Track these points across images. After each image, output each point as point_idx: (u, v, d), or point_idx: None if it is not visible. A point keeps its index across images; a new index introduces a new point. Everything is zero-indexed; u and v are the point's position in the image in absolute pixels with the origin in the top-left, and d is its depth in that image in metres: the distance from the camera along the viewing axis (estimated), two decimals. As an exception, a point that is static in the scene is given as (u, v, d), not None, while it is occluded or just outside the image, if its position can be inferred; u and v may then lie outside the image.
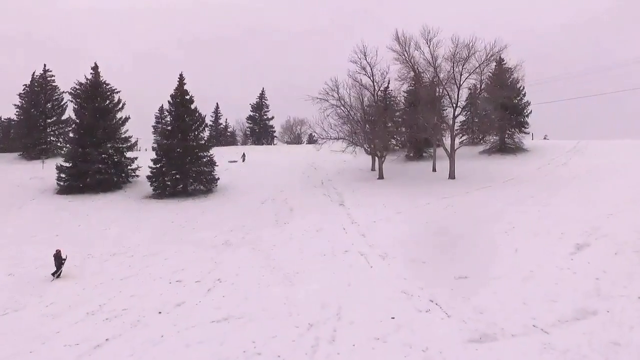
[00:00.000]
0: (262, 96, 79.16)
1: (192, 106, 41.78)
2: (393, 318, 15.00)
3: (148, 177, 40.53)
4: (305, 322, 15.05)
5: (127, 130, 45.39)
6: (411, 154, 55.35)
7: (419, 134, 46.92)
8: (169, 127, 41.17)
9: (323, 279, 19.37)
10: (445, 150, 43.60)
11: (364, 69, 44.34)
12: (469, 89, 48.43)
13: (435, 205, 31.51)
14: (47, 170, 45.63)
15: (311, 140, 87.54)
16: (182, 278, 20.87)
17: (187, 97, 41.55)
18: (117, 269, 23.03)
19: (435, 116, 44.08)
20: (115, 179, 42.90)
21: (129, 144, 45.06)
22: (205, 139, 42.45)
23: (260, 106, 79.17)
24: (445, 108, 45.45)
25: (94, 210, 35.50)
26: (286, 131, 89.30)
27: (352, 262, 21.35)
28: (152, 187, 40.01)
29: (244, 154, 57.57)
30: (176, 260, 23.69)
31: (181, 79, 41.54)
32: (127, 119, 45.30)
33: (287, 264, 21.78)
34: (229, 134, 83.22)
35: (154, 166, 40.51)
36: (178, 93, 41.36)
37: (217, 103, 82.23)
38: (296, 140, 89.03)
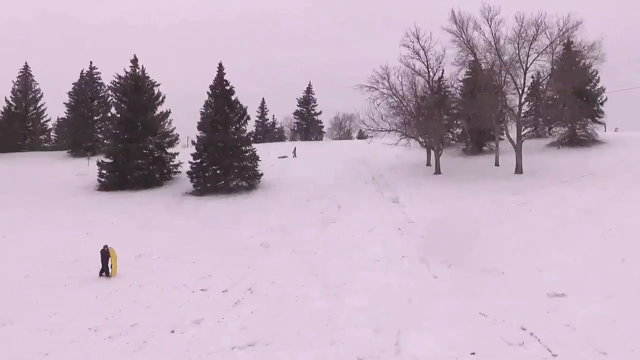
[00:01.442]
0: (309, 90, 75.62)
1: (233, 97, 38.66)
2: (473, 354, 10.82)
3: (188, 172, 37.77)
4: (352, 356, 11.11)
5: (172, 126, 43.04)
6: (469, 148, 50.24)
7: (480, 125, 41.87)
8: (209, 120, 38.21)
9: (376, 292, 15.39)
10: (511, 141, 38.49)
11: (417, 53, 39.75)
12: (532, 77, 42.96)
13: (504, 202, 26.83)
14: (92, 167, 43.88)
15: (361, 136, 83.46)
16: (208, 286, 17.42)
17: (227, 87, 38.48)
18: (139, 272, 19.87)
19: (499, 104, 39.01)
20: (157, 175, 40.47)
21: (169, 139, 42.50)
22: (247, 132, 39.21)
23: (307, 100, 75.60)
24: (509, 95, 40.35)
25: (131, 207, 32.90)
26: (335, 127, 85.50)
27: (411, 271, 17.29)
28: (192, 184, 37.19)
29: (295, 148, 54.27)
30: (205, 264, 20.30)
31: (220, 68, 38.49)
32: (167, 113, 42.89)
33: (332, 271, 17.94)
34: (276, 130, 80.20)
35: (193, 161, 37.69)
36: (217, 84, 38.33)
37: (262, 98, 78.89)
38: (345, 136, 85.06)
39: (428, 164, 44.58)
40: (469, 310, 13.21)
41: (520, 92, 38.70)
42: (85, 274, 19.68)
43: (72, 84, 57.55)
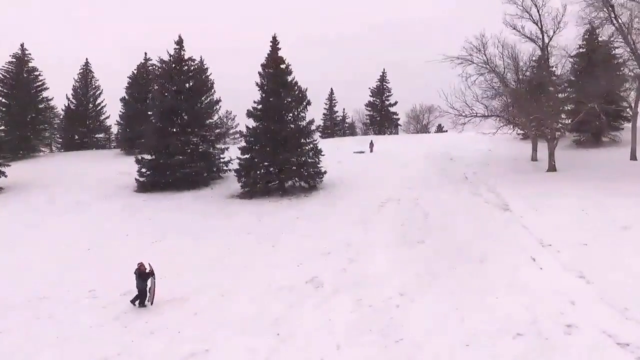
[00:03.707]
0: (382, 79, 66.09)
1: (290, 78, 30.68)
2: None
3: (236, 170, 30.39)
4: None
5: (232, 119, 36.15)
6: (583, 139, 39.27)
7: (609, 107, 31.06)
8: (260, 106, 30.50)
9: None
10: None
11: (526, 10, 29.46)
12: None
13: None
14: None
15: (440, 130, 73.12)
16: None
17: (283, 66, 30.55)
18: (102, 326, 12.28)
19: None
20: (205, 173, 33.46)
21: (218, 132, 35.36)
22: (308, 121, 31.00)
23: (381, 90, 66.18)
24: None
25: (160, 215, 25.83)
26: (412, 120, 75.48)
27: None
28: (239, 184, 29.73)
29: (371, 142, 45.79)
30: (211, 315, 12.38)
31: (274, 42, 30.49)
32: (217, 101, 35.91)
33: (429, 346, 9.28)
34: (347, 124, 71.55)
35: (242, 157, 30.24)
36: (271, 61, 30.42)
37: (331, 88, 70.04)
38: (423, 130, 75.01)
39: (534, 159, 34.46)
40: None
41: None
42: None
43: (127, 77, 52.44)
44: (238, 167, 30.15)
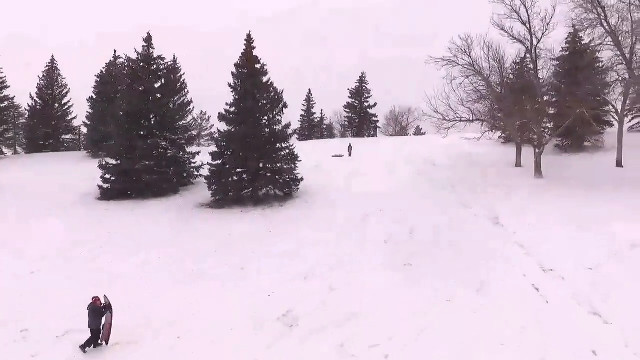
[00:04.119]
0: (362, 80, 64.20)
1: (265, 79, 28.51)
2: None
3: (206, 177, 28.12)
4: None
5: (203, 117, 33.80)
6: (565, 143, 38.19)
7: (597, 112, 29.83)
8: (233, 109, 28.27)
9: None
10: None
11: (515, 11, 27.83)
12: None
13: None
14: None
15: (419, 133, 71.76)
16: None
17: (258, 66, 28.38)
18: None
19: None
20: (175, 179, 31.02)
21: (189, 135, 32.97)
22: (284, 124, 28.80)
23: (360, 92, 64.37)
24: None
25: (124, 229, 23.39)
26: (390, 122, 73.72)
27: None
28: (210, 192, 27.46)
29: (350, 145, 43.83)
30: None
31: (249, 41, 28.28)
32: (188, 103, 33.45)
33: None
34: (324, 126, 69.41)
35: (212, 163, 27.99)
36: (245, 61, 28.23)
37: (309, 89, 67.32)
38: (402, 132, 73.41)
39: (518, 165, 33.09)
40: None
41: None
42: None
43: (95, 76, 49.43)
44: (209, 174, 27.92)
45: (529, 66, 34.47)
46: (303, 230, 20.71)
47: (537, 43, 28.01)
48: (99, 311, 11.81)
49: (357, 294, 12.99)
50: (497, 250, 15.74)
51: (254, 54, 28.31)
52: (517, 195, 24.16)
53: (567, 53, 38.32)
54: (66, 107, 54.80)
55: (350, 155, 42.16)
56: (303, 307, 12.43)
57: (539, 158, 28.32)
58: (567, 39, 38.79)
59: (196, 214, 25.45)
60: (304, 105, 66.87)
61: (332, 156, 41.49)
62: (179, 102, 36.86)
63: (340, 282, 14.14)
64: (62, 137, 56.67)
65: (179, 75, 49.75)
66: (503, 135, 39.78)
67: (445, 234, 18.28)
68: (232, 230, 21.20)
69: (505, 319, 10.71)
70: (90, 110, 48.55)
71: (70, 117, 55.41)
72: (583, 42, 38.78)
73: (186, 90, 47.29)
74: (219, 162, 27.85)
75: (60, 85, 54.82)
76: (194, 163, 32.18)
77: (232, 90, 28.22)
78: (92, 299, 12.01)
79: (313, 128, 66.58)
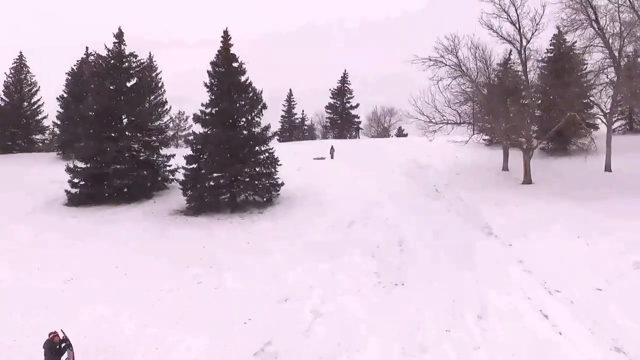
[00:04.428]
0: (344, 80, 62.72)
1: (243, 78, 26.83)
2: None
3: (181, 182, 26.37)
4: None
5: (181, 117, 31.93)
6: (551, 146, 37.41)
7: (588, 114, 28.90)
8: (209, 110, 26.55)
9: None
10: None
11: (504, 10, 26.61)
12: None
13: None
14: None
15: (400, 134, 70.71)
16: None
17: (236, 64, 26.68)
18: None
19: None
20: (149, 183, 29.12)
21: (162, 137, 31.08)
22: (263, 126, 27.09)
23: (342, 92, 62.86)
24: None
25: (89, 237, 21.52)
26: (372, 123, 72.47)
27: None
28: (185, 198, 25.70)
29: (332, 147, 42.39)
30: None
31: (225, 37, 26.58)
32: (163, 102, 31.57)
33: None
34: (306, 127, 67.74)
35: (187, 167, 26.24)
36: (221, 58, 26.51)
37: (290, 89, 65.52)
38: (384, 133, 72.29)
39: (505, 169, 32.08)
40: None
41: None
42: None
43: (66, 73, 46.94)
44: (184, 179, 26.16)
45: (514, 68, 33.59)
46: (283, 242, 19.15)
47: (527, 44, 26.92)
48: (56, 349, 10.19)
49: (342, 323, 11.49)
50: (495, 267, 14.45)
51: (232, 51, 26.62)
52: (508, 202, 22.97)
53: (552, 55, 37.61)
54: (36, 106, 52.19)
55: (332, 157, 40.79)
56: (283, 338, 10.88)
57: (528, 162, 27.28)
58: (551, 40, 38.09)
59: (169, 223, 23.66)
60: (284, 105, 65.23)
61: (314, 159, 40.05)
62: (154, 101, 34.95)
63: (325, 307, 12.63)
64: (33, 137, 54.01)
65: (155, 73, 47.83)
66: (486, 137, 38.84)
67: (438, 245, 16.95)
68: (207, 242, 19.54)
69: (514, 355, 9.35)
70: (60, 110, 46.10)
71: (40, 116, 52.82)
72: (567, 44, 38.16)
73: (163, 90, 45.40)
74: (194, 166, 26.11)
75: (29, 83, 52.16)
76: (169, 166, 30.40)
77: (208, 90, 26.47)
78: (50, 335, 10.37)
79: (294, 129, 64.93)
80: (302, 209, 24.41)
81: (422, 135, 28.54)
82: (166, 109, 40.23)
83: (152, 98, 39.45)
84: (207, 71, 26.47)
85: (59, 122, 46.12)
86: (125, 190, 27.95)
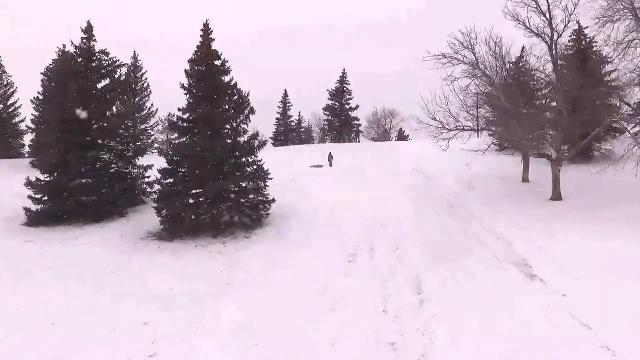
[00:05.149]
0: (342, 80, 58.50)
1: (227, 79, 22.85)
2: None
3: (155, 201, 22.47)
4: None
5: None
6: (573, 153, 33.62)
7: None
8: (187, 116, 22.57)
9: None
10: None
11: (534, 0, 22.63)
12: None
13: None
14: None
15: (401, 137, 66.84)
16: None
17: (218, 62, 22.70)
18: None
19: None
20: (121, 200, 25.19)
21: (138, 146, 27.12)
22: (251, 135, 22.99)
23: (340, 93, 58.75)
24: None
25: (40, 273, 17.51)
26: (372, 125, 68.34)
27: None
28: (159, 219, 21.77)
29: (330, 154, 38.63)
30: None
31: (206, 30, 22.53)
32: (139, 107, 27.73)
33: None
34: (303, 129, 63.53)
35: (163, 182, 22.33)
36: (201, 55, 22.52)
37: (285, 90, 61.43)
38: (384, 136, 68.33)
39: (525, 180, 28.36)
40: None
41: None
42: None
43: (41, 73, 42.89)
44: (158, 196, 22.25)
45: (533, 66, 29.80)
46: (271, 280, 15.27)
47: (558, 38, 22.95)
48: None
49: None
50: (551, 329, 10.58)
51: (214, 47, 22.67)
52: (541, 226, 19.09)
53: (572, 52, 33.96)
54: (12, 108, 48.31)
55: (331, 165, 37.05)
56: None
57: (558, 175, 23.44)
58: (571, 36, 34.47)
59: (139, 251, 19.71)
60: (279, 107, 61.11)
61: (311, 167, 36.39)
62: (139, 104, 31.01)
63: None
64: (10, 142, 50.13)
65: (140, 74, 43.81)
66: (497, 143, 35.16)
67: (465, 293, 13.06)
68: (181, 281, 15.57)
69: None
70: (35, 113, 42.09)
71: (17, 119, 48.96)
72: (588, 39, 34.65)
73: (149, 91, 41.36)
74: (170, 181, 22.18)
75: (5, 84, 48.29)
76: (148, 178, 26.58)
77: (185, 92, 22.48)
78: None
79: (290, 132, 60.90)
80: (295, 233, 20.58)
81: (435, 144, 24.63)
82: (152, 112, 36.28)
83: (137, 100, 35.66)
84: (185, 70, 22.48)
85: (34, 126, 42.13)
86: (93, 207, 24.06)
